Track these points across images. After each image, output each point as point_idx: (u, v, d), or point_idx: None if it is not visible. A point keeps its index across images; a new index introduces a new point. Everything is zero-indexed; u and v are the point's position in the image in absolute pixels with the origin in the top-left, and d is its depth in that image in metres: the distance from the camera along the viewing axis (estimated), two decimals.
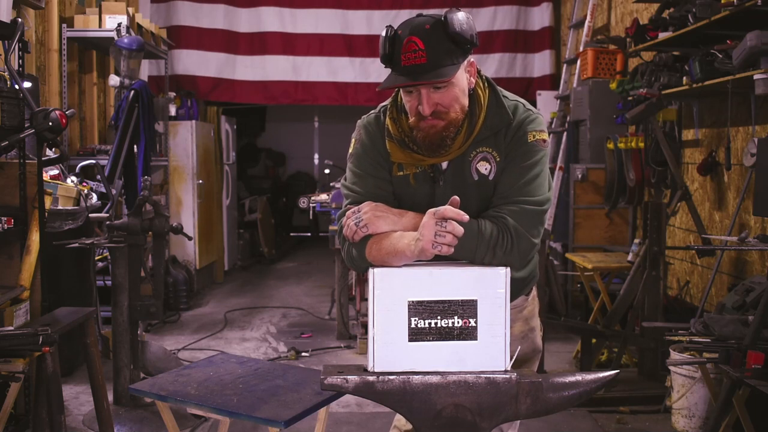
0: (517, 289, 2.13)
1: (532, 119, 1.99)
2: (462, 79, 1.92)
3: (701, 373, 3.55)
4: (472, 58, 1.96)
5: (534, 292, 2.26)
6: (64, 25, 5.88)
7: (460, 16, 1.86)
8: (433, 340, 1.78)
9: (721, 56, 4.09)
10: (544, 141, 1.98)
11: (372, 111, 2.12)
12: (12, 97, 3.50)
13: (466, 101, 1.95)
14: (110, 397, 3.66)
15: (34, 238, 3.72)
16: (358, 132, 2.11)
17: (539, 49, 8.60)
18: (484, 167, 1.98)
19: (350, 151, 2.11)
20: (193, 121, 7.57)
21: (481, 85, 2.01)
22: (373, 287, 1.78)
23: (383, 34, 1.91)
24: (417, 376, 1.77)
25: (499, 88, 2.04)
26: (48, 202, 4.18)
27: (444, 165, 2.01)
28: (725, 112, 4.52)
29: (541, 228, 1.95)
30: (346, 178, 2.10)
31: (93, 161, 5.50)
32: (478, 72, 2.03)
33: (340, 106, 9.19)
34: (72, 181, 4.94)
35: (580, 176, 6.20)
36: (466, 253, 1.86)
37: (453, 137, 1.94)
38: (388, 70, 1.98)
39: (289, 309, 6.96)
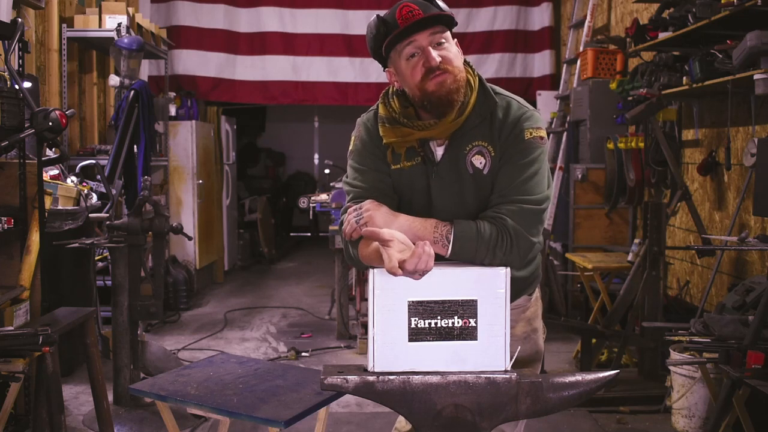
0: (520, 289, 2.13)
1: (528, 116, 1.99)
2: (455, 46, 1.97)
3: (701, 373, 3.55)
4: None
5: (537, 293, 2.25)
6: (64, 25, 5.88)
7: None
8: (433, 340, 1.78)
9: (721, 56, 4.09)
10: (542, 138, 1.98)
11: (371, 108, 2.14)
12: (12, 97, 3.50)
13: (463, 68, 1.97)
14: (110, 397, 3.66)
15: (34, 238, 3.72)
16: (357, 129, 2.13)
17: (539, 49, 8.60)
18: (479, 161, 1.98)
19: (350, 148, 2.12)
20: (193, 121, 7.57)
21: (471, 71, 2.03)
22: (373, 287, 1.78)
23: (372, 21, 1.97)
24: (417, 376, 1.77)
25: (490, 84, 2.05)
26: (48, 202, 4.18)
27: (439, 156, 2.01)
28: (725, 112, 4.52)
29: (540, 227, 1.95)
30: (347, 176, 2.11)
31: (93, 161, 5.50)
32: (468, 63, 2.04)
33: (340, 106, 9.19)
34: (72, 181, 4.94)
35: (580, 176, 6.20)
36: (466, 254, 1.86)
37: (461, 96, 1.94)
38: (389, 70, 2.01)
39: (289, 309, 6.96)
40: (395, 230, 1.84)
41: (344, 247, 1.98)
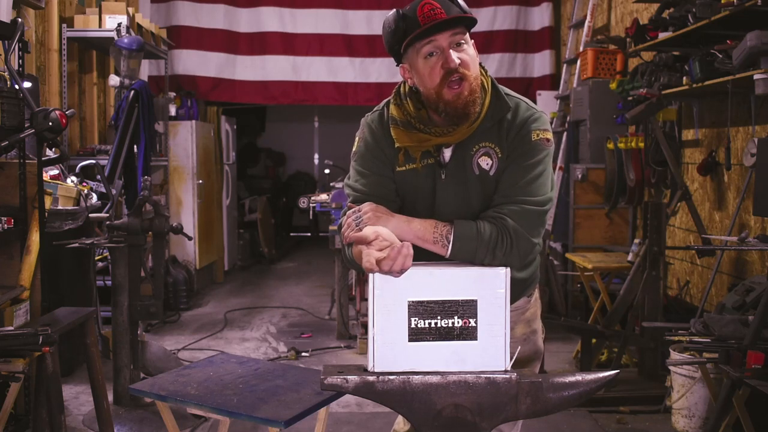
0: (519, 291, 2.12)
1: (535, 118, 1.98)
2: (473, 48, 1.95)
3: (701, 373, 3.55)
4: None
5: (536, 294, 2.25)
6: (64, 25, 5.88)
7: None
8: (433, 340, 1.78)
9: (721, 56, 4.09)
10: (548, 140, 1.97)
11: (376, 108, 2.11)
12: (12, 97, 3.50)
13: (479, 72, 1.95)
14: (110, 397, 3.66)
15: (34, 238, 3.72)
16: (362, 130, 2.10)
17: (539, 49, 8.60)
18: (485, 162, 1.97)
19: (354, 149, 2.10)
20: (193, 121, 7.57)
21: (483, 73, 2.02)
22: (373, 287, 1.78)
23: (391, 16, 1.93)
24: (417, 376, 1.77)
25: (501, 86, 2.04)
26: (48, 202, 4.18)
27: (447, 157, 2.00)
28: (725, 112, 4.52)
29: (541, 228, 1.94)
30: (349, 177, 2.09)
31: (93, 161, 5.50)
32: (480, 63, 2.03)
33: (340, 106, 9.20)
34: (72, 181, 4.93)
35: (580, 176, 6.20)
36: (466, 254, 1.86)
37: (477, 106, 1.92)
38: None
39: (289, 309, 6.96)
40: (390, 229, 1.84)
41: (342, 249, 1.98)
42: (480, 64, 2.02)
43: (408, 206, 2.03)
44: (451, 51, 1.88)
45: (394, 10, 1.94)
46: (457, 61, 1.88)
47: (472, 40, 1.98)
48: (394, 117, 2.01)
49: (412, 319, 1.77)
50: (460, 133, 1.95)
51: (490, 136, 1.97)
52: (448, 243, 1.86)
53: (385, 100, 2.10)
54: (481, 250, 1.84)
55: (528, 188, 1.92)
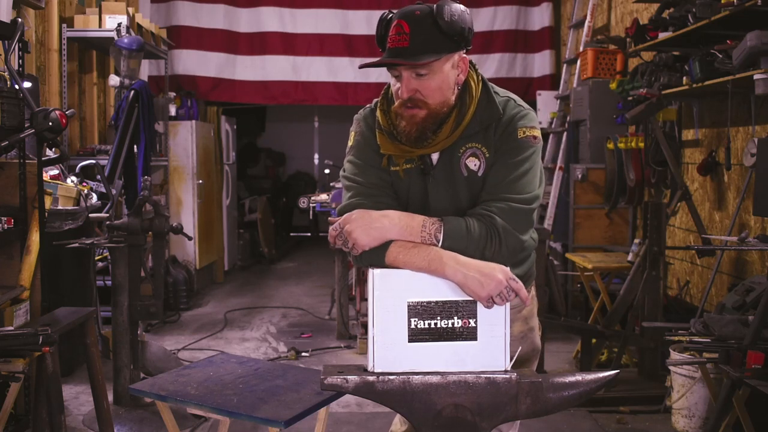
0: None
1: (522, 115, 1.98)
2: (447, 72, 1.92)
3: (701, 373, 3.55)
4: (464, 54, 1.97)
5: (533, 291, 2.26)
6: (64, 25, 5.88)
7: (453, 8, 1.87)
8: (432, 341, 1.78)
9: (721, 56, 4.09)
10: (535, 137, 1.97)
11: (368, 105, 2.12)
12: (12, 97, 3.50)
13: (450, 96, 1.94)
14: (110, 397, 3.66)
15: (34, 238, 3.72)
16: (357, 125, 2.11)
17: (539, 49, 8.60)
18: (473, 163, 1.97)
19: (350, 143, 2.10)
20: (193, 121, 7.57)
21: (475, 78, 2.01)
22: (373, 288, 1.78)
23: (380, 16, 1.96)
24: (417, 376, 1.77)
25: (491, 84, 2.04)
26: (48, 202, 4.18)
27: (434, 160, 2.00)
28: (725, 112, 4.53)
29: (530, 225, 1.94)
30: (345, 170, 2.08)
31: (93, 161, 5.50)
32: (474, 66, 2.02)
33: (340, 106, 9.19)
34: (72, 181, 4.93)
35: (580, 176, 6.20)
36: (456, 252, 1.85)
37: (434, 130, 1.94)
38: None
39: (289, 309, 6.96)
40: (377, 227, 1.85)
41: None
42: (473, 65, 2.02)
43: (401, 205, 2.03)
44: (410, 81, 1.89)
45: (389, 11, 1.97)
46: (409, 93, 1.90)
47: (462, 52, 1.95)
48: (380, 123, 2.02)
49: (412, 320, 1.78)
50: (441, 143, 1.96)
51: (477, 137, 1.98)
52: (438, 242, 1.84)
53: (376, 99, 2.10)
54: (471, 248, 1.83)
55: (514, 186, 1.91)
